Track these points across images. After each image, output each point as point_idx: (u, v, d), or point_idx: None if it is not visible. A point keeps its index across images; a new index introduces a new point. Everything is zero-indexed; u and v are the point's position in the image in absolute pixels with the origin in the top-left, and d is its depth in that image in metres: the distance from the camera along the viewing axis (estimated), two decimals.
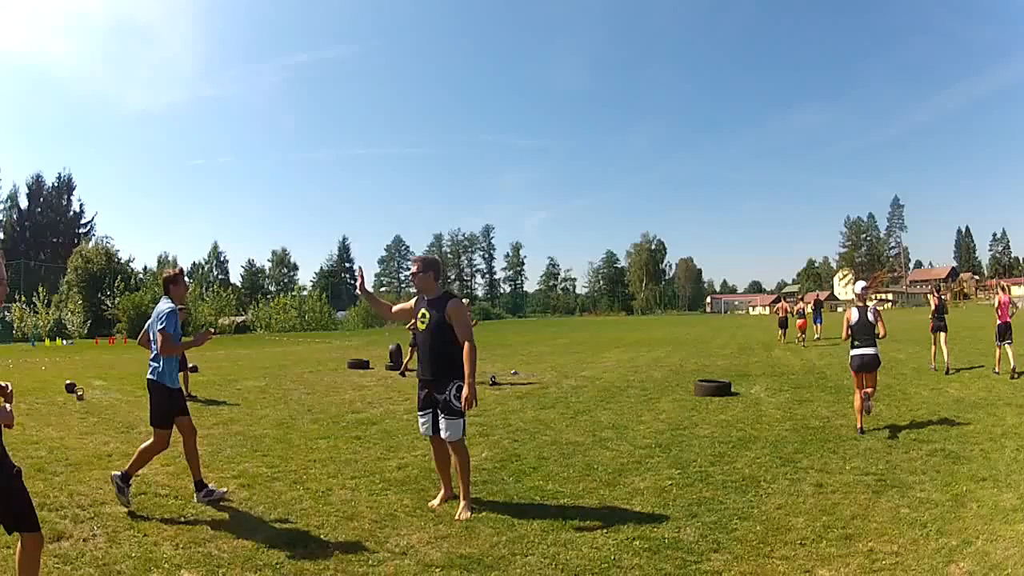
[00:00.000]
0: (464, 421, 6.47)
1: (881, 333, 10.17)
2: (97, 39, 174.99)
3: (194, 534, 5.77)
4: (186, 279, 7.56)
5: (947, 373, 16.17)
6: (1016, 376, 15.05)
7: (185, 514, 6.35)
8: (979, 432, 9.54)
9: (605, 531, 5.75)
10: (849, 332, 10.27)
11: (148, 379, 6.92)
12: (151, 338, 6.94)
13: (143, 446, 6.83)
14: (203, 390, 15.99)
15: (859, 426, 9.84)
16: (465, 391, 6.19)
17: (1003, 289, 17.34)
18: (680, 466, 7.99)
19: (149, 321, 7.04)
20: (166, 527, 5.96)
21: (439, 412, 6.40)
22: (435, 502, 6.63)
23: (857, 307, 10.39)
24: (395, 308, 7.21)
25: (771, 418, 11.02)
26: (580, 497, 6.86)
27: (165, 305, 6.86)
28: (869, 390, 10.00)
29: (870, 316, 10.18)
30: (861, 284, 11.11)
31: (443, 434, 6.38)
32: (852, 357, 10.22)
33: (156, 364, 6.87)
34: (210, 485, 6.99)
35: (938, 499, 6.53)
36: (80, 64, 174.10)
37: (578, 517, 6.15)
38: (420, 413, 6.65)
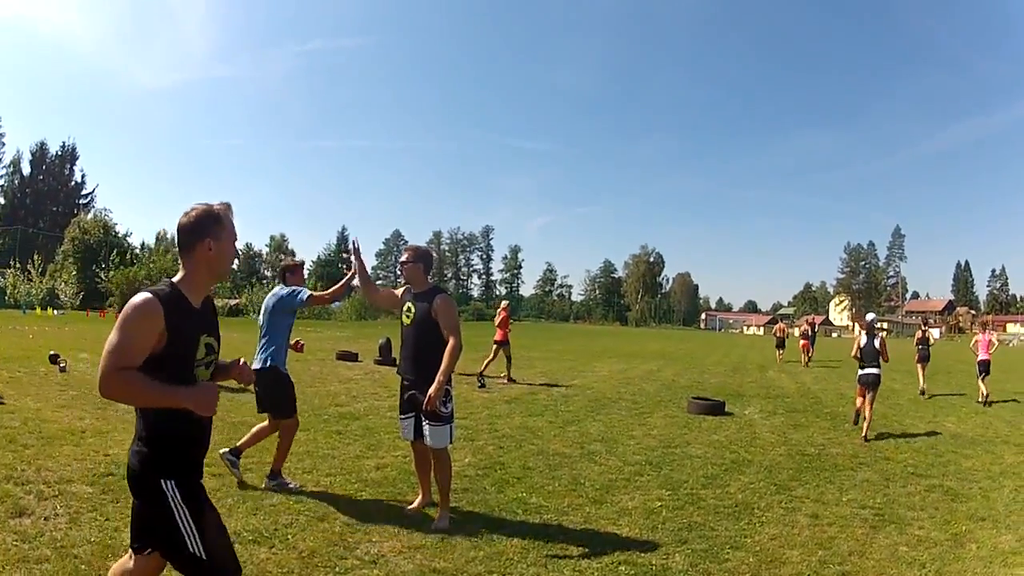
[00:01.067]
0: (451, 428, 6.09)
1: (885, 358, 11.87)
2: (114, 12, 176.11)
3: None
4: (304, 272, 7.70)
5: (928, 397, 17.86)
6: (988, 404, 16.67)
7: None
8: (977, 469, 9.35)
9: (589, 553, 5.45)
10: (859, 354, 12.07)
11: (261, 369, 6.81)
12: (264, 323, 7.03)
13: (272, 438, 7.04)
14: None
15: (856, 412, 12.16)
16: (432, 388, 5.79)
17: (983, 328, 20.07)
18: (671, 487, 7.70)
19: (265, 308, 7.11)
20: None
21: (423, 417, 6.00)
22: (412, 507, 6.33)
23: (867, 334, 12.10)
24: (383, 291, 6.81)
25: (765, 442, 10.74)
26: (565, 513, 6.55)
27: (284, 288, 7.11)
28: (868, 417, 11.47)
29: (876, 344, 11.88)
30: (871, 316, 12.93)
31: (427, 441, 6.00)
32: (860, 375, 12.00)
33: (272, 348, 6.90)
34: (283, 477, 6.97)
35: (937, 538, 6.30)
36: (95, 36, 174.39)
37: (561, 535, 5.87)
38: (401, 416, 6.29)
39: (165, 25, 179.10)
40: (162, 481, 2.84)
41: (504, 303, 19.34)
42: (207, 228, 2.95)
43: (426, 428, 5.96)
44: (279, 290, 7.12)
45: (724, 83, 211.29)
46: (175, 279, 2.95)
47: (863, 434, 11.28)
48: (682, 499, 7.21)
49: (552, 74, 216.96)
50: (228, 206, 3.06)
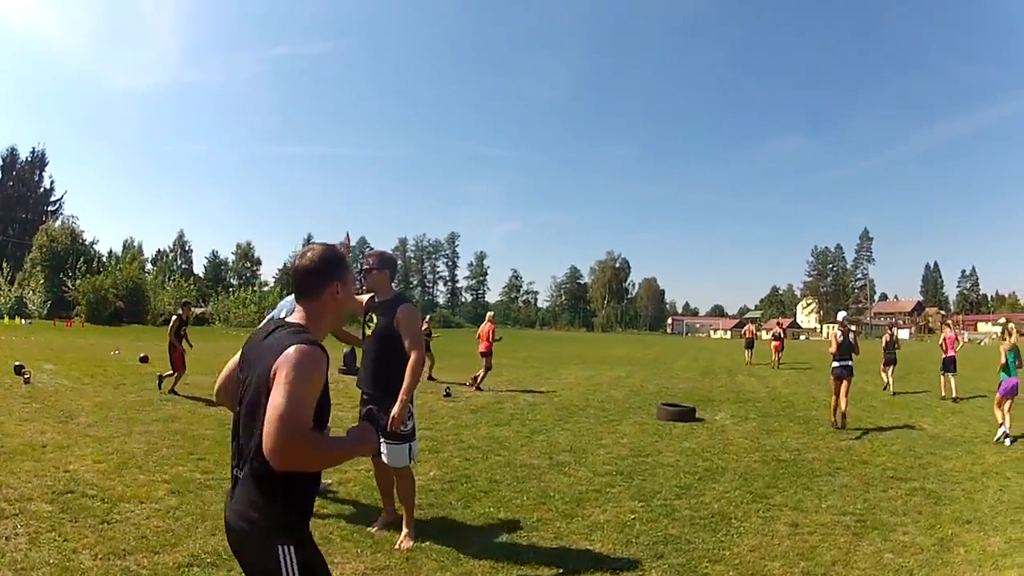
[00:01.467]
0: (411, 446, 5.84)
1: (857, 352, 13.20)
2: (87, 13, 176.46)
3: (115, 544, 5.34)
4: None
5: (892, 395, 19.07)
6: (956, 401, 17.38)
7: (110, 519, 5.95)
8: (959, 471, 9.32)
9: (562, 572, 5.27)
10: (838, 348, 13.09)
11: None
12: None
13: None
14: (150, 382, 15.72)
15: (833, 420, 12.91)
16: (395, 409, 5.56)
17: (949, 326, 21.42)
18: (643, 498, 7.53)
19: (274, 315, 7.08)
20: (88, 533, 5.56)
21: (380, 435, 5.71)
22: (375, 527, 6.10)
23: (841, 331, 13.28)
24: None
25: (739, 448, 10.63)
26: (534, 529, 6.36)
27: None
28: (844, 407, 12.71)
29: (851, 338, 13.16)
30: (843, 314, 14.24)
31: (385, 459, 5.79)
32: (834, 367, 13.09)
33: None
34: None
35: (923, 543, 6.21)
36: (67, 37, 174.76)
37: (532, 553, 5.68)
38: None
39: (137, 26, 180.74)
40: (279, 546, 2.56)
41: (490, 314, 20.57)
42: (335, 271, 2.78)
43: (384, 447, 5.71)
44: (288, 301, 6.91)
45: (691, 90, 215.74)
46: (302, 322, 2.72)
47: (833, 420, 12.83)
48: (656, 511, 7.04)
49: (517, 81, 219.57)
50: (343, 245, 2.87)
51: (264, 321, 7.00)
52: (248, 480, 2.58)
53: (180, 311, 16.33)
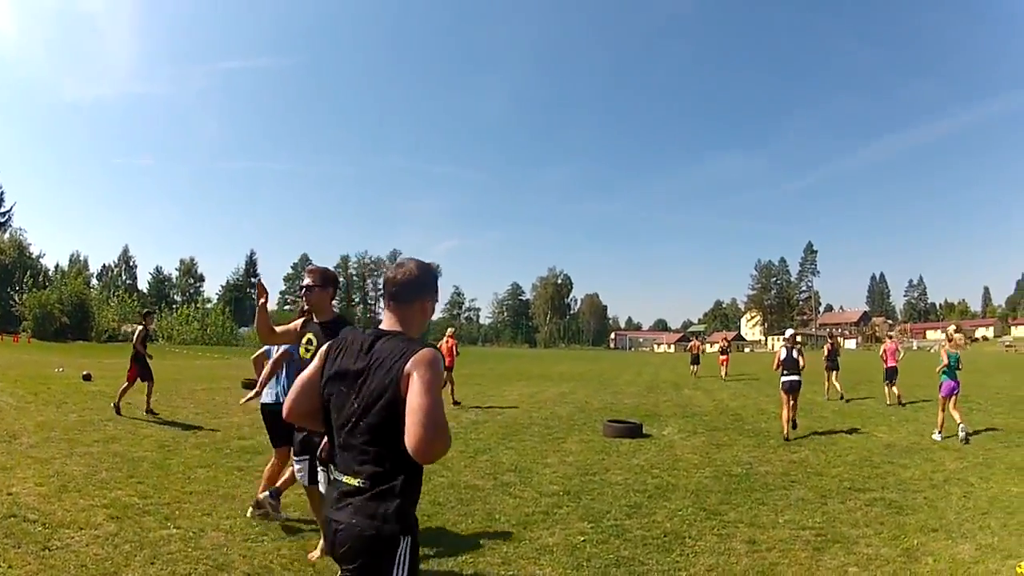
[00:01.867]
0: None
1: (802, 365, 13.49)
2: (42, 21, 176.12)
3: (56, 572, 5.25)
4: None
5: (843, 400, 20.23)
6: (903, 405, 18.57)
7: (51, 545, 5.82)
8: (919, 479, 9.32)
9: None
10: (780, 364, 13.54)
11: (267, 403, 7.10)
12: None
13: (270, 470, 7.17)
14: (92, 401, 15.69)
15: (785, 434, 12.91)
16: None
17: (889, 338, 22.41)
18: (593, 518, 7.31)
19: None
20: (30, 560, 5.47)
21: (317, 462, 5.46)
22: (315, 553, 5.83)
23: (786, 347, 13.65)
24: (279, 329, 6.20)
25: (688, 464, 10.49)
26: (480, 554, 6.12)
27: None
28: (793, 414, 13.28)
29: (795, 354, 13.47)
30: (790, 331, 14.86)
31: (322, 488, 5.49)
32: (783, 382, 13.37)
33: (281, 386, 7.07)
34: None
35: (888, 555, 6.14)
36: (21, 45, 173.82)
37: None
38: (296, 459, 5.88)
39: (90, 37, 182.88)
40: (401, 537, 2.71)
41: (450, 329, 20.67)
42: (431, 288, 3.03)
43: (320, 475, 5.44)
44: None
45: (631, 109, 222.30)
46: (398, 328, 2.91)
47: (784, 433, 12.89)
48: (606, 532, 6.85)
49: (464, 100, 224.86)
50: (438, 267, 2.74)
51: (265, 352, 7.01)
52: (379, 484, 2.70)
53: (144, 321, 16.29)
